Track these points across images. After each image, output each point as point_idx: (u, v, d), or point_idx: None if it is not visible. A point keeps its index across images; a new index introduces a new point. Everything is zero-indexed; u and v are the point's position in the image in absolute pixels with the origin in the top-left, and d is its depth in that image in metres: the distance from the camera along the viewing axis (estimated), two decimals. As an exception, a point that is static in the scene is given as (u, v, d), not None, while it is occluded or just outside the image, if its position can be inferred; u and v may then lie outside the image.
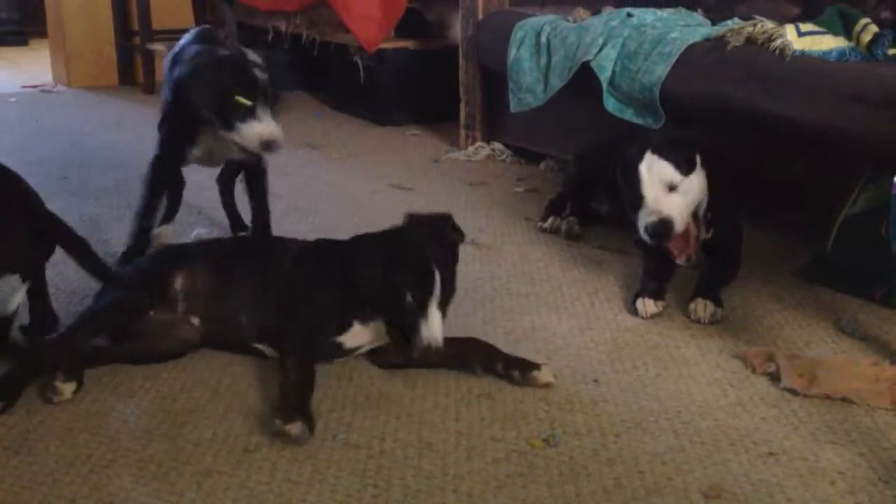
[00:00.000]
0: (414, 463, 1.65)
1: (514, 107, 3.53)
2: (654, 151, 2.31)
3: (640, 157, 2.31)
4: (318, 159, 3.78)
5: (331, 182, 3.51)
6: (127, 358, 2.00)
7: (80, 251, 1.96)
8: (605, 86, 3.08)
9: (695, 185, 2.33)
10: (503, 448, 1.70)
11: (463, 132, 4.01)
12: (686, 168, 2.30)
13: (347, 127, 4.22)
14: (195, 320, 2.03)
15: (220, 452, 1.68)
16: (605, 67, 3.07)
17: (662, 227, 2.26)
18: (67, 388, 1.84)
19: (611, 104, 3.10)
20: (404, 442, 1.72)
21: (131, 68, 5.43)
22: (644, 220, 2.29)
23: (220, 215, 3.05)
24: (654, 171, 2.29)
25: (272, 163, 3.51)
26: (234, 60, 2.32)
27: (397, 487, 1.58)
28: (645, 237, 2.30)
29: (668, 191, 2.29)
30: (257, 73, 2.28)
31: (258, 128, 2.26)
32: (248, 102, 2.24)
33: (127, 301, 2.00)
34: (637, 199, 2.31)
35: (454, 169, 3.73)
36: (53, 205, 3.14)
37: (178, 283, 2.03)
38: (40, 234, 1.95)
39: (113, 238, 2.81)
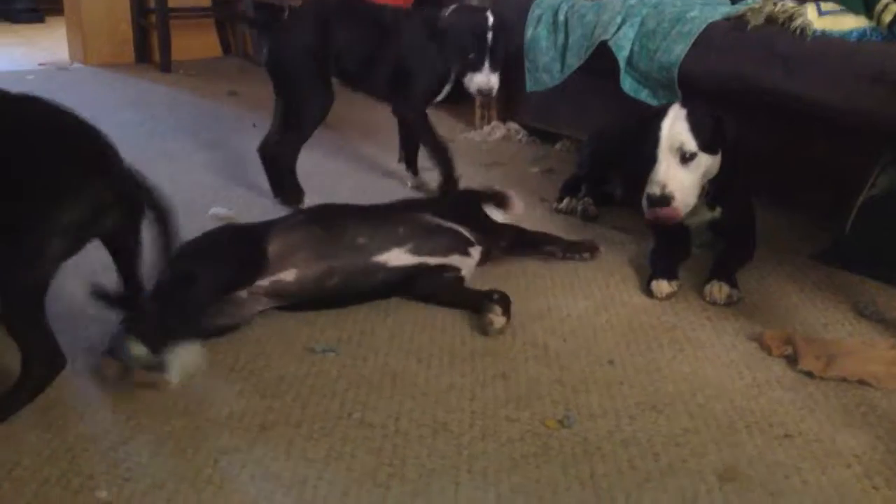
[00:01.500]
0: (429, 442, 1.66)
1: (530, 86, 3.51)
2: (688, 112, 2.32)
3: (665, 112, 2.33)
4: (333, 138, 3.78)
5: (346, 161, 3.51)
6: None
7: (161, 220, 1.84)
8: (622, 65, 3.06)
9: (706, 164, 2.32)
10: (518, 428, 1.71)
11: (478, 112, 4.00)
12: (704, 143, 2.30)
13: (362, 106, 4.20)
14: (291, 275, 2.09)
15: (236, 430, 1.70)
16: (622, 47, 3.05)
17: (662, 202, 2.28)
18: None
19: (627, 84, 3.09)
20: (419, 422, 1.73)
21: (147, 46, 5.43)
22: (648, 187, 2.29)
23: (236, 194, 3.05)
24: (674, 134, 2.29)
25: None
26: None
27: (412, 466, 1.59)
28: (644, 203, 2.31)
29: (681, 161, 2.29)
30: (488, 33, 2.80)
31: (477, 78, 2.82)
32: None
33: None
34: (650, 159, 2.31)
35: (469, 149, 3.72)
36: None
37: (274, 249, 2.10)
38: (120, 194, 1.79)
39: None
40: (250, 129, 3.92)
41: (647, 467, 1.60)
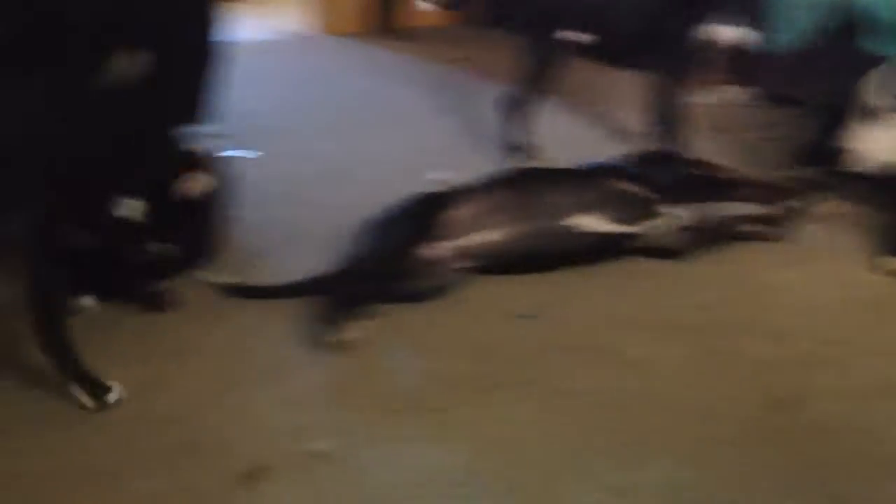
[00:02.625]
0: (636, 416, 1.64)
1: (770, 47, 3.30)
2: None
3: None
4: (558, 103, 3.75)
5: (571, 126, 3.46)
6: (392, 298, 2.07)
7: None
8: (872, 24, 2.82)
9: None
10: (737, 407, 1.65)
11: (712, 75, 3.81)
12: None
13: (587, 69, 4.14)
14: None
15: (451, 390, 1.75)
16: (873, 4, 2.81)
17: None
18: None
19: (874, 42, 2.84)
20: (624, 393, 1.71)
21: (387, 14, 5.57)
22: None
23: (462, 159, 3.09)
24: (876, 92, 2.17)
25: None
26: None
27: (619, 438, 1.58)
28: None
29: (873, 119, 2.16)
30: None
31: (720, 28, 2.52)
32: None
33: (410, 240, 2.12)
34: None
35: (700, 114, 3.55)
36: (315, 146, 3.27)
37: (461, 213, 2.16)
38: None
39: (372, 177, 2.93)
40: (480, 95, 3.97)
41: (885, 452, 1.51)
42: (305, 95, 4.14)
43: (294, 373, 1.84)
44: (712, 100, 3.73)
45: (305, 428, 1.65)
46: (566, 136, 3.37)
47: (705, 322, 1.95)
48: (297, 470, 1.54)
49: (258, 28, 5.63)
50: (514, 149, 2.95)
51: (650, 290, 2.11)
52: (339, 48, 5.20)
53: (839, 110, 2.69)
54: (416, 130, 3.51)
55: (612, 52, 2.92)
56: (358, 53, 5.08)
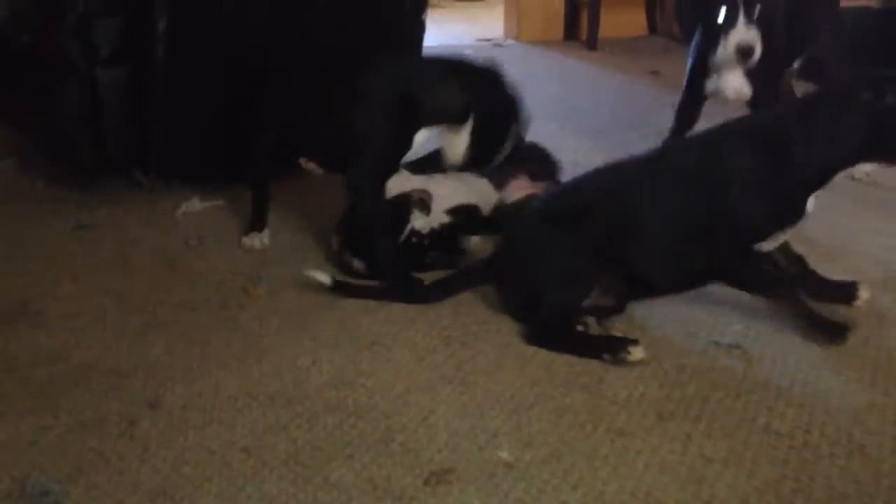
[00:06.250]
0: (841, 463, 1.53)
1: None
2: None
3: None
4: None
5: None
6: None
7: None
8: None
9: None
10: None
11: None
12: None
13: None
14: None
15: (634, 414, 1.69)
16: None
17: None
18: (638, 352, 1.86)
19: None
20: (831, 439, 1.60)
21: (577, 24, 5.56)
22: None
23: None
24: None
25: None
26: None
27: (820, 486, 1.47)
28: None
29: None
30: None
31: (733, 34, 2.29)
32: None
33: None
34: None
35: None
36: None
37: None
38: None
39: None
40: (668, 108, 3.86)
41: None
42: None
43: (479, 378, 1.83)
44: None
45: (490, 435, 1.64)
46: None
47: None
48: (481, 476, 1.52)
49: (454, 35, 5.73)
50: None
51: (864, 325, 1.98)
52: (529, 55, 5.22)
53: None
54: (601, 143, 3.45)
55: None
56: (546, 61, 5.07)
